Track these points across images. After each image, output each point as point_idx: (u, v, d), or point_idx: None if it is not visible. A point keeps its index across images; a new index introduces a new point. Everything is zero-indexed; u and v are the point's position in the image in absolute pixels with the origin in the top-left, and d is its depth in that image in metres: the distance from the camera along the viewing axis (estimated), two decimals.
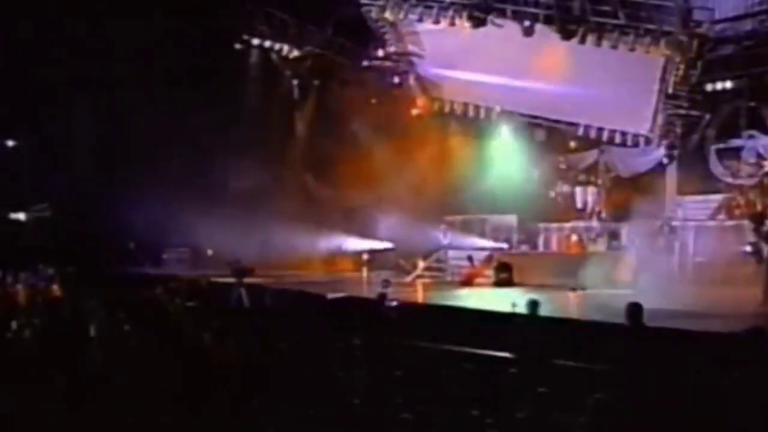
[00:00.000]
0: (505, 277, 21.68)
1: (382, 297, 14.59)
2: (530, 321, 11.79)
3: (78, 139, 27.70)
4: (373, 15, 24.97)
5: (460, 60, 25.20)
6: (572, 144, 25.00)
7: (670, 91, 21.86)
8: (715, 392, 8.31)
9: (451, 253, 23.96)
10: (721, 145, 21.85)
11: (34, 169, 26.21)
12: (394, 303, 14.53)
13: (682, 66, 21.23)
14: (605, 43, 21.17)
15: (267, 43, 26.99)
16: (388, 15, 24.48)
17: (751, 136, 21.12)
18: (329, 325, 12.86)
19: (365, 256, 26.62)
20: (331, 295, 17.48)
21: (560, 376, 9.61)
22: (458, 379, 9.57)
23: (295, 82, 28.78)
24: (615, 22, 20.90)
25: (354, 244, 26.95)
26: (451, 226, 25.43)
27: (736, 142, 21.46)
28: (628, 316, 10.30)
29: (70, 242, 24.59)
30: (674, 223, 21.31)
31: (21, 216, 27.76)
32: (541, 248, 24.01)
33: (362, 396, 9.18)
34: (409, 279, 23.32)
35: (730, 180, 21.31)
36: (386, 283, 16.29)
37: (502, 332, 11.96)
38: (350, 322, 12.78)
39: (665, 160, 22.71)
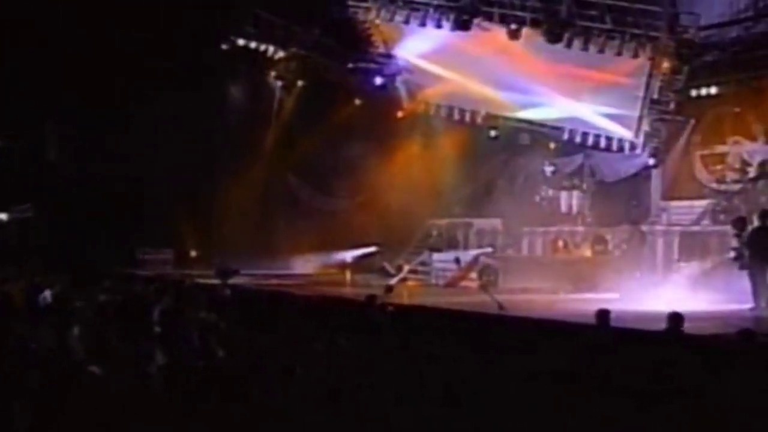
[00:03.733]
0: (490, 281, 21.67)
1: (372, 299, 14.52)
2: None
3: (60, 139, 27.55)
4: (360, 17, 24.94)
5: (445, 63, 25.23)
6: (557, 148, 25.04)
7: (656, 96, 21.92)
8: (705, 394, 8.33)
9: (436, 255, 23.91)
10: (706, 151, 21.95)
11: (16, 169, 26.02)
12: (390, 307, 14.44)
13: (667, 71, 21.29)
14: (592, 47, 21.21)
15: (253, 44, 26.90)
16: (374, 17, 24.45)
17: (736, 142, 21.20)
18: (317, 327, 12.80)
19: (349, 259, 26.56)
20: (317, 297, 17.44)
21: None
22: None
23: (279, 83, 28.73)
24: (602, 26, 20.93)
25: (337, 245, 26.89)
26: (436, 229, 25.46)
27: (721, 148, 21.55)
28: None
29: (52, 243, 24.44)
30: (659, 228, 21.38)
31: (3, 216, 27.55)
32: (525, 252, 24.02)
33: (354, 398, 9.14)
34: (393, 282, 23.24)
35: (714, 186, 21.39)
36: (389, 288, 16.22)
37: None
38: (339, 324, 12.73)
39: (650, 165, 22.81)
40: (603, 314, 11.54)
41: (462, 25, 22.48)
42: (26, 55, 24.09)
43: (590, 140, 23.94)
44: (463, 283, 22.29)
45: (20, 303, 13.97)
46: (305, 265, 26.77)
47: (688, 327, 13.22)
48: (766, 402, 7.74)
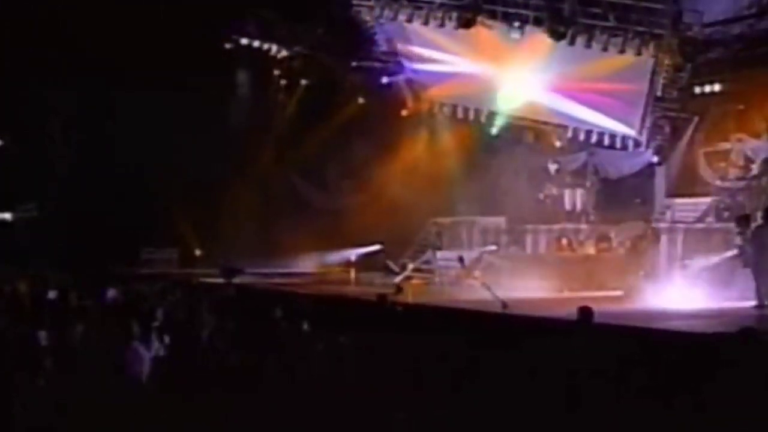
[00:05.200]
0: (494, 279, 21.66)
1: (383, 298, 14.54)
2: None
3: (64, 139, 27.60)
4: (363, 15, 24.93)
5: (449, 61, 25.22)
6: (561, 146, 25.03)
7: (659, 93, 21.89)
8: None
9: (440, 254, 23.92)
10: (710, 148, 21.90)
11: (20, 168, 26.07)
12: (399, 307, 14.46)
13: (671, 69, 21.28)
14: (595, 45, 21.20)
15: (256, 43, 26.95)
16: (377, 15, 24.44)
17: (739, 140, 21.15)
18: (320, 326, 12.83)
19: (353, 258, 26.59)
20: (326, 296, 17.48)
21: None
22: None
23: (283, 82, 28.75)
24: (605, 24, 20.92)
25: (341, 244, 26.91)
26: (440, 227, 25.44)
27: (724, 145, 21.51)
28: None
29: (57, 242, 24.49)
30: (663, 225, 21.36)
31: (7, 216, 27.61)
32: (529, 250, 24.02)
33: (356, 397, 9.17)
34: (397, 280, 23.26)
35: (718, 183, 21.32)
36: (398, 288, 16.22)
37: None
38: (345, 323, 12.77)
39: (654, 162, 22.80)
40: (585, 312, 11.54)
41: (465, 23, 22.48)
42: (29, 55, 24.13)
43: (594, 138, 23.89)
44: (467, 282, 22.27)
45: (26, 301, 14.05)
46: (309, 263, 26.79)
47: (688, 325, 13.30)
48: (766, 400, 7.75)
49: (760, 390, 8.05)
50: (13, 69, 24.06)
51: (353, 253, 26.59)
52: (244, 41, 26.75)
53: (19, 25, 23.70)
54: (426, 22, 23.41)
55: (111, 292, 14.57)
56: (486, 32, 22.92)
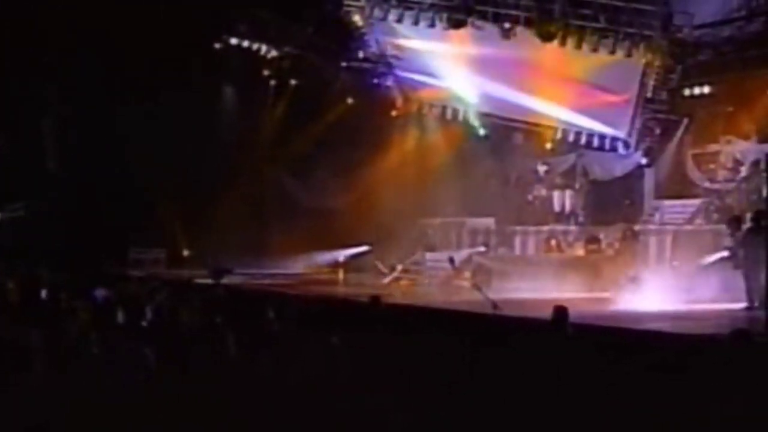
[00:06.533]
0: (483, 280, 21.64)
1: (376, 300, 14.50)
2: None
3: (54, 139, 27.49)
4: (353, 16, 24.91)
5: (439, 62, 25.22)
6: (550, 147, 25.05)
7: (649, 95, 21.95)
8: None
9: (429, 255, 23.91)
10: (699, 150, 21.97)
11: (12, 167, 25.94)
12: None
13: (661, 70, 21.34)
14: (585, 47, 21.24)
15: (246, 43, 26.89)
16: (368, 16, 24.43)
17: (728, 142, 21.22)
18: (316, 327, 12.78)
19: (341, 258, 26.56)
20: (319, 297, 17.44)
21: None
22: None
23: (273, 82, 28.69)
24: (595, 25, 20.98)
25: (330, 245, 26.87)
26: (429, 228, 25.45)
27: (713, 147, 21.58)
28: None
29: (45, 242, 24.37)
30: (651, 227, 21.43)
31: None
32: (518, 251, 24.04)
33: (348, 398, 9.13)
34: (386, 281, 23.25)
35: (707, 184, 21.40)
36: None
37: None
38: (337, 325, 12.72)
39: (643, 164, 22.85)
40: (560, 311, 11.50)
41: (455, 24, 22.50)
42: (21, 55, 24.04)
43: (583, 139, 23.95)
44: (456, 283, 22.26)
45: (16, 301, 13.97)
46: (298, 264, 26.74)
47: (679, 326, 13.31)
48: (759, 403, 7.74)
49: (753, 392, 8.05)
50: (4, 68, 23.95)
51: (342, 254, 26.56)
52: (233, 41, 26.68)
53: (17, 24, 23.60)
54: (416, 23, 23.41)
55: (101, 292, 14.49)
56: (476, 33, 22.93)
